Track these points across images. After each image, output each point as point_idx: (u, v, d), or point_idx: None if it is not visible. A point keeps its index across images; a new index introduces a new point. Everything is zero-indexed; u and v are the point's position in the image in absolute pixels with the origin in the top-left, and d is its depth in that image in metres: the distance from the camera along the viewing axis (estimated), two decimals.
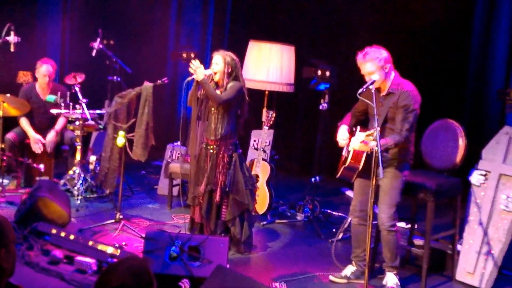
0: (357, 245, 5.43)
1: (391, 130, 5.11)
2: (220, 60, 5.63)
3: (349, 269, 5.48)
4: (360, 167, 5.15)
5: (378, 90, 5.17)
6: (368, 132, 4.81)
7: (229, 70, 5.62)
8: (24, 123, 7.43)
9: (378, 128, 4.70)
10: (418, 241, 5.86)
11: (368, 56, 5.06)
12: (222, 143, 5.64)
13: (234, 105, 5.66)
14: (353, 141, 5.02)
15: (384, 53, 5.10)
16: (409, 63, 8.58)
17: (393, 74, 5.17)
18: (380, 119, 5.05)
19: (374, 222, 5.00)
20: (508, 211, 5.42)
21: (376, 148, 4.63)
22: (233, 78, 5.65)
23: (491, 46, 8.04)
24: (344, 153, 5.38)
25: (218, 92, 5.60)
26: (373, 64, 5.04)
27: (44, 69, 7.47)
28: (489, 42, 8.05)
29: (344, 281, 5.44)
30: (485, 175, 5.58)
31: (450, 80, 8.26)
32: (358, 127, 5.22)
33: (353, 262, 5.49)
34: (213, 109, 5.63)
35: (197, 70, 5.51)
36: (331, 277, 5.49)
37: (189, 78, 5.71)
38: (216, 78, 5.65)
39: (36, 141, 7.34)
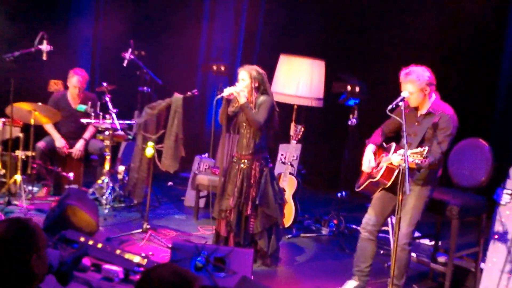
0: (363, 260, 5.40)
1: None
2: (246, 75, 5.63)
3: (351, 284, 5.45)
4: (389, 183, 5.15)
5: (415, 109, 5.16)
6: (415, 150, 4.72)
7: (257, 85, 5.64)
8: (49, 126, 7.51)
9: (406, 145, 4.70)
10: (442, 258, 5.84)
11: (410, 77, 5.01)
12: (254, 158, 5.66)
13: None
14: (395, 157, 4.96)
15: (426, 75, 5.04)
16: (438, 79, 8.57)
17: (434, 96, 5.12)
18: (417, 139, 5.06)
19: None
20: None
21: (404, 165, 4.63)
22: (261, 92, 5.67)
23: None
24: (365, 168, 5.33)
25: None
26: (414, 85, 4.99)
27: (75, 80, 7.57)
28: None
29: None
30: (511, 193, 5.55)
31: (479, 98, 8.23)
32: (394, 144, 5.13)
33: (356, 277, 5.45)
34: (244, 124, 5.65)
35: (240, 93, 5.53)
36: None
37: (219, 96, 5.74)
38: (244, 92, 5.66)
39: (62, 146, 7.44)
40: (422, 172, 5.08)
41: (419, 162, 4.70)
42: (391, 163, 5.04)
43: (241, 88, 5.60)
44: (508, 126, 8.01)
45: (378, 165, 5.28)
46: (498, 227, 5.59)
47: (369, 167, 5.25)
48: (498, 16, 8.22)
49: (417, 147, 5.00)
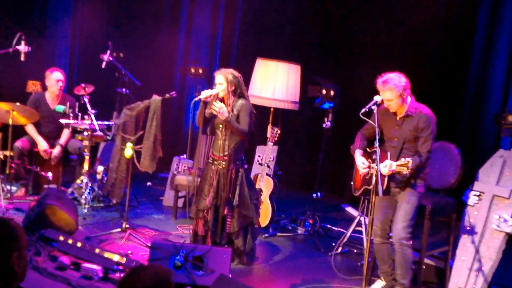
0: (383, 262, 5.57)
1: (409, 152, 5.29)
2: (222, 79, 5.71)
3: (379, 284, 5.63)
4: (384, 187, 5.28)
5: (394, 113, 5.35)
6: (400, 162, 4.94)
7: (233, 88, 5.72)
8: (31, 129, 7.51)
9: (378, 149, 4.86)
10: (414, 257, 6.00)
11: (388, 85, 5.17)
12: (229, 159, 5.74)
13: None
14: (382, 169, 5.06)
15: (403, 81, 5.22)
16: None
17: (409, 98, 5.31)
18: (400, 142, 5.29)
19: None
20: (499, 231, 5.60)
21: (376, 167, 4.81)
22: (238, 95, 5.77)
23: (489, 71, 8.18)
24: (363, 170, 5.47)
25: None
26: (392, 92, 5.17)
27: (57, 75, 7.57)
28: (487, 67, 8.19)
29: None
30: (479, 195, 5.76)
31: (448, 102, 8.37)
32: (378, 149, 5.03)
33: (382, 278, 5.63)
34: (221, 126, 5.74)
35: (221, 110, 5.59)
36: None
37: (196, 98, 5.82)
38: (221, 95, 5.75)
39: (44, 150, 7.47)
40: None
41: (407, 173, 5.00)
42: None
43: (219, 90, 5.71)
44: (476, 130, 8.17)
45: (368, 172, 5.43)
46: (466, 227, 5.79)
47: (366, 168, 5.42)
48: (467, 21, 8.38)
49: (400, 152, 5.27)
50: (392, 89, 5.17)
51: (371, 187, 5.26)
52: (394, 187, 5.34)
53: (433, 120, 5.26)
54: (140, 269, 2.69)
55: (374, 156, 5.31)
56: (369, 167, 5.42)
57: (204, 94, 5.70)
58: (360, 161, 5.47)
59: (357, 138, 5.65)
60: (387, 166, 5.05)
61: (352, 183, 5.68)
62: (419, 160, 5.13)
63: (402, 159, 4.98)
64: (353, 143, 5.66)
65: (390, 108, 5.30)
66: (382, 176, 5.16)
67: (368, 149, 5.58)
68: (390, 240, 5.47)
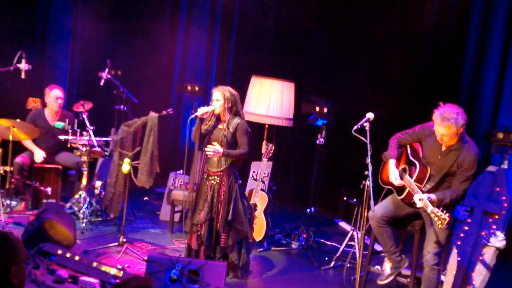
0: (385, 242, 5.60)
1: (449, 184, 5.26)
2: (220, 96, 5.82)
3: (387, 265, 5.72)
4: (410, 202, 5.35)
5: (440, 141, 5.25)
6: (438, 212, 4.92)
7: (230, 105, 5.83)
8: (28, 142, 7.62)
9: (370, 165, 4.96)
10: (406, 271, 6.09)
11: (446, 123, 5.03)
12: (223, 175, 5.83)
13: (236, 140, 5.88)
14: (417, 201, 5.06)
15: (461, 120, 5.06)
16: (401, 100, 8.91)
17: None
18: (440, 173, 5.21)
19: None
20: (489, 246, 5.72)
21: (369, 183, 4.91)
22: (234, 113, 5.87)
23: (480, 89, 8.31)
24: (394, 182, 5.41)
25: (220, 126, 5.84)
26: (449, 130, 5.05)
27: (56, 93, 7.70)
28: (478, 86, 8.32)
29: (391, 277, 5.70)
30: (469, 210, 5.87)
31: None
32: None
33: (386, 258, 5.72)
34: (215, 142, 5.80)
35: (215, 151, 5.72)
36: (379, 282, 5.76)
37: (192, 115, 5.93)
38: (217, 111, 5.86)
39: (41, 159, 7.57)
40: None
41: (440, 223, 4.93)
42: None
43: (215, 107, 5.82)
44: None
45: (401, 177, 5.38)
46: (457, 242, 5.91)
47: (398, 184, 5.32)
48: (458, 41, 8.52)
49: (439, 183, 5.21)
50: (450, 127, 5.04)
51: (400, 197, 5.32)
52: (423, 210, 5.25)
53: (478, 162, 5.17)
54: (120, 285, 2.76)
55: (405, 174, 5.31)
56: (401, 182, 5.32)
57: (201, 111, 5.81)
58: (394, 176, 5.33)
59: (392, 144, 5.53)
60: (422, 201, 5.00)
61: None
62: (455, 196, 5.11)
63: (441, 212, 4.90)
64: (387, 149, 5.54)
65: (442, 142, 5.19)
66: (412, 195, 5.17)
67: (410, 156, 5.47)
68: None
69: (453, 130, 5.05)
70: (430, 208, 4.97)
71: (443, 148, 5.25)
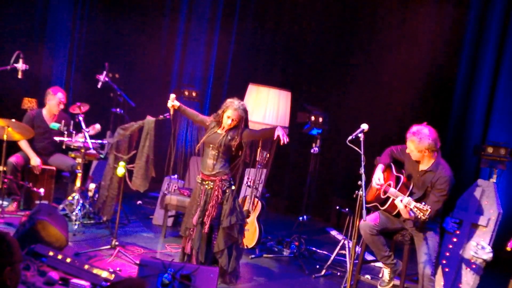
0: (378, 249, 5.70)
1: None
2: (235, 116, 5.77)
3: (386, 272, 5.80)
4: (394, 213, 5.56)
5: (418, 161, 5.52)
6: (420, 206, 5.13)
7: (243, 125, 5.84)
8: (24, 145, 7.63)
9: (364, 175, 5.01)
10: (395, 281, 6.15)
11: (412, 137, 5.39)
12: (216, 179, 5.82)
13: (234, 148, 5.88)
14: (398, 203, 5.30)
15: (427, 142, 5.36)
16: (392, 116, 8.98)
17: (435, 154, 5.48)
18: (419, 193, 5.45)
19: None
20: (477, 257, 5.79)
21: (362, 193, 4.96)
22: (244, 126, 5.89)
23: (470, 105, 8.44)
24: (374, 184, 5.68)
25: (219, 131, 5.82)
26: (413, 145, 5.38)
27: (60, 96, 7.74)
28: (469, 102, 8.45)
29: (392, 282, 5.78)
30: (458, 223, 5.95)
31: None
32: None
33: (383, 265, 5.79)
34: (211, 145, 5.81)
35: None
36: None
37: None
38: (226, 128, 5.83)
39: (37, 165, 7.58)
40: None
41: (424, 218, 5.13)
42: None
43: (224, 125, 5.81)
44: (457, 160, 8.31)
45: (384, 192, 5.61)
46: (445, 253, 5.98)
47: (377, 184, 5.62)
48: (450, 58, 8.65)
49: (419, 199, 5.39)
50: (413, 142, 5.37)
51: (383, 208, 5.50)
52: (410, 226, 5.51)
53: (451, 184, 5.41)
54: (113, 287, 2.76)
55: (390, 182, 5.52)
56: (382, 185, 5.59)
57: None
58: (377, 177, 5.64)
59: (386, 152, 5.82)
60: (403, 202, 5.22)
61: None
62: (428, 215, 5.21)
63: (423, 205, 5.13)
64: (380, 155, 5.84)
65: (411, 155, 5.47)
66: (395, 206, 5.36)
67: (394, 169, 5.72)
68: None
69: (416, 146, 5.34)
70: (412, 205, 5.17)
71: (420, 168, 5.49)
